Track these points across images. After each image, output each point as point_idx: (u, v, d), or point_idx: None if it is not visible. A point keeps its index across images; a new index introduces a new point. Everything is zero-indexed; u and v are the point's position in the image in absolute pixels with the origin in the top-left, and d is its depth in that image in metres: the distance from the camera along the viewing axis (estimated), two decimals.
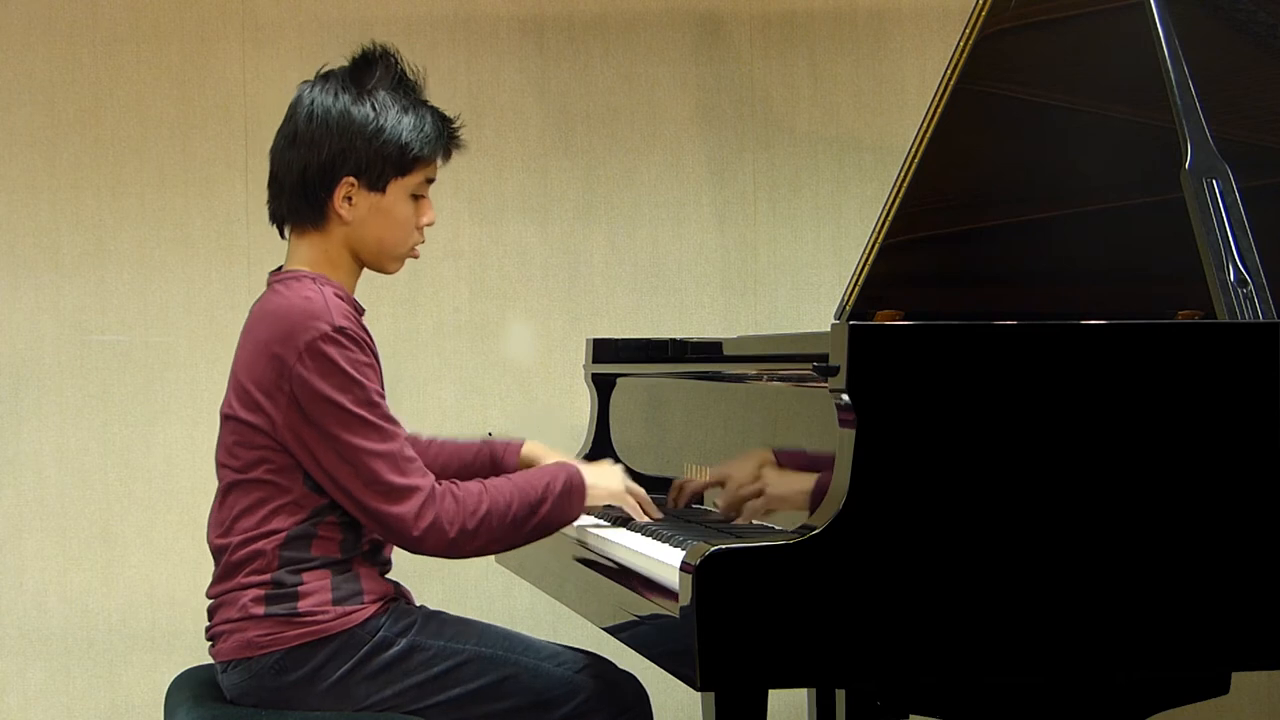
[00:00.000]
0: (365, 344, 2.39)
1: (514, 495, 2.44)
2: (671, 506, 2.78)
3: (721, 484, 2.66)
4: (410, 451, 2.40)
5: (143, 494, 4.00)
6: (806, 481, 2.36)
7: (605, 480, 2.61)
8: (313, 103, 2.46)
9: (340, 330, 2.36)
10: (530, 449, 2.82)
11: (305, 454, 2.38)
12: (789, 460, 2.47)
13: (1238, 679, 2.26)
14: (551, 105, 4.13)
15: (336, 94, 2.46)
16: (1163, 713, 2.31)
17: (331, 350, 2.35)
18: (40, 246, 4.00)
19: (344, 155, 2.44)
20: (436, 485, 2.40)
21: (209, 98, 4.03)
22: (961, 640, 2.10)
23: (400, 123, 2.46)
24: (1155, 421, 2.16)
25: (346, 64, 2.51)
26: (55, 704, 3.97)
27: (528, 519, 2.45)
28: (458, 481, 2.44)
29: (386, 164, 2.46)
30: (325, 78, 2.50)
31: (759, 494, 2.53)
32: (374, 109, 2.45)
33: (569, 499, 2.49)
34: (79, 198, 4.00)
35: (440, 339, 4.09)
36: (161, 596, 3.99)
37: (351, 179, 2.45)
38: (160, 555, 3.99)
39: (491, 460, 2.82)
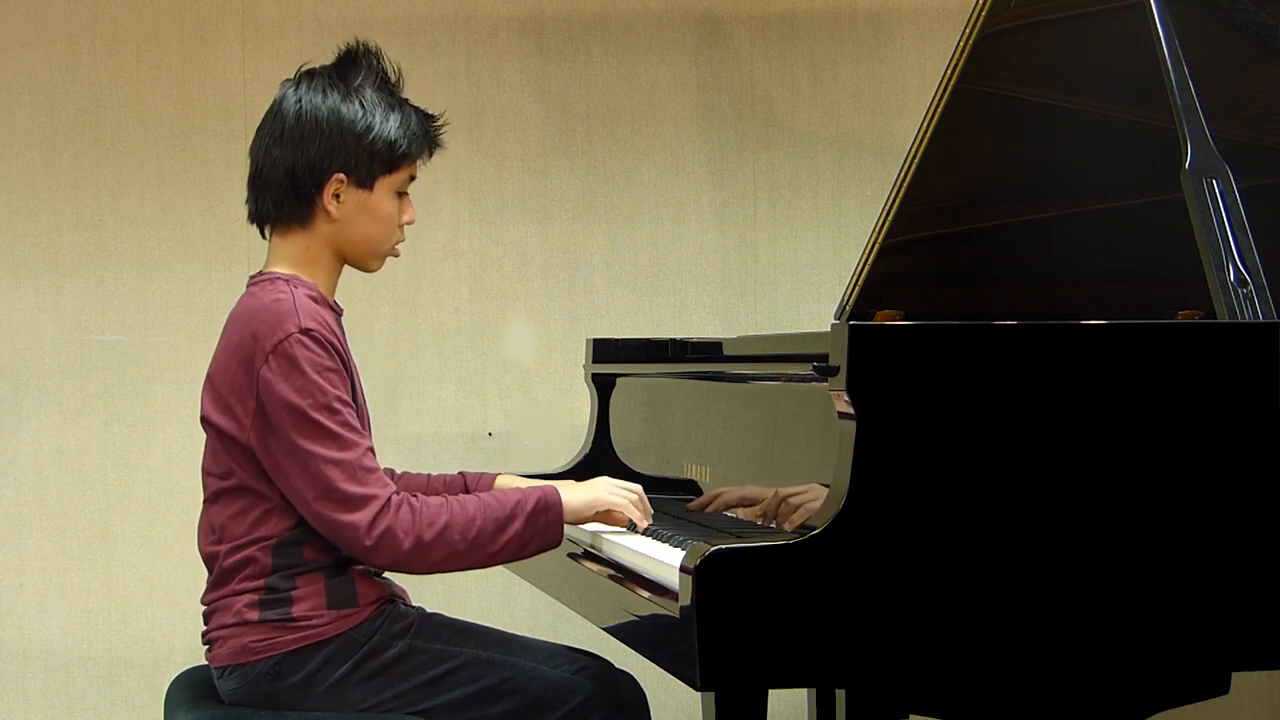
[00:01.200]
0: (332, 348, 2.37)
1: (479, 511, 2.37)
2: (697, 509, 2.76)
3: (754, 502, 2.61)
4: (370, 462, 2.35)
5: (143, 494, 4.00)
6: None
7: (583, 494, 2.51)
8: (300, 101, 2.46)
9: (307, 332, 2.35)
10: (504, 482, 2.76)
11: (268, 458, 2.36)
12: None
13: (1238, 679, 2.26)
14: (551, 105, 4.13)
15: (325, 92, 2.46)
16: (1163, 713, 2.30)
17: (297, 351, 2.33)
18: (40, 246, 4.00)
19: (334, 152, 2.44)
20: (394, 496, 2.35)
21: (209, 98, 4.03)
22: (961, 640, 2.10)
23: (388, 120, 2.47)
24: (1155, 422, 2.16)
25: (330, 63, 2.52)
26: (55, 704, 3.97)
27: (495, 536, 2.37)
28: (419, 494, 2.39)
29: (376, 161, 2.46)
30: (310, 75, 2.49)
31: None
32: (362, 107, 2.45)
33: (543, 517, 2.41)
34: (79, 198, 4.00)
35: (440, 339, 4.09)
36: (161, 597, 3.99)
37: (341, 175, 2.45)
38: (160, 555, 3.99)
39: (464, 490, 2.78)
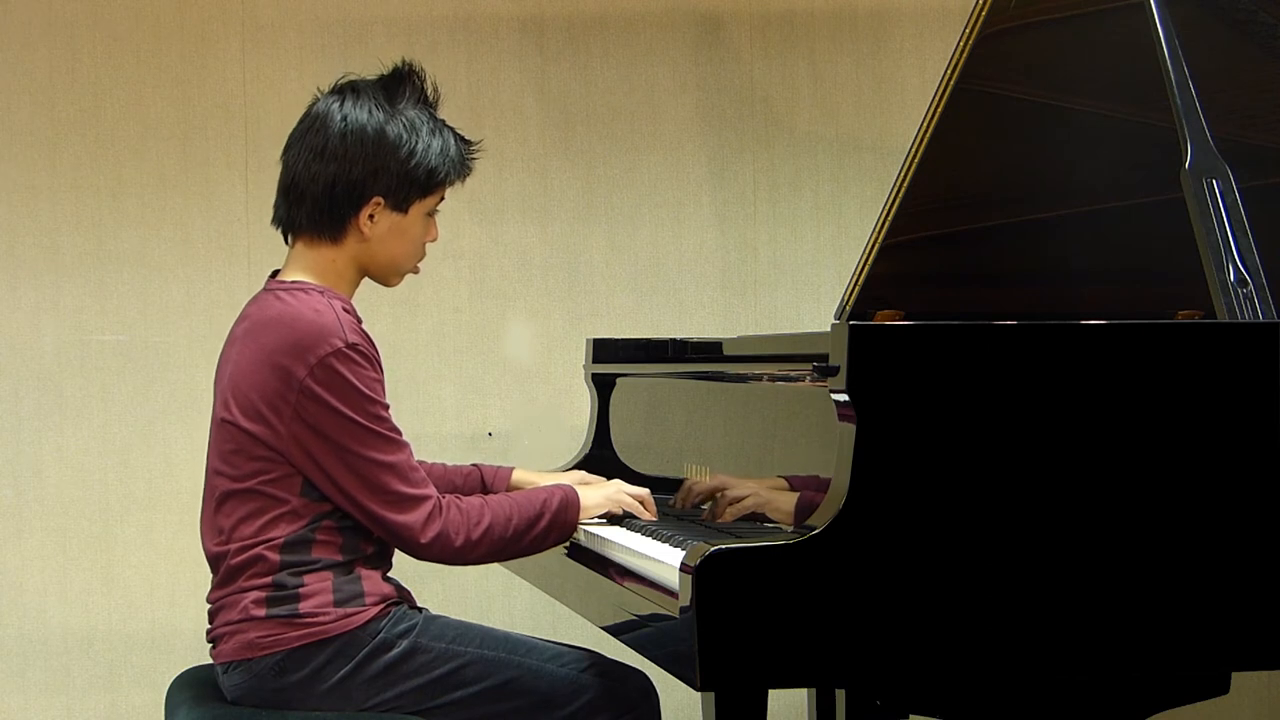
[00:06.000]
0: (374, 359, 2.42)
1: (514, 510, 2.49)
2: (678, 507, 2.78)
3: (725, 489, 2.65)
4: (414, 462, 2.44)
5: (143, 494, 4.00)
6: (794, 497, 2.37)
7: (598, 493, 2.65)
8: (345, 118, 2.46)
9: (353, 347, 2.38)
10: (520, 476, 2.86)
11: (311, 465, 2.38)
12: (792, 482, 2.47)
13: (1238, 679, 2.26)
14: (551, 105, 4.13)
15: (370, 111, 2.46)
16: (1163, 713, 2.31)
17: (343, 367, 2.37)
18: (40, 246, 4.00)
19: (376, 175, 2.46)
20: (441, 498, 2.44)
21: (209, 98, 4.03)
22: (961, 640, 2.10)
23: (430, 146, 2.48)
24: (1155, 422, 2.16)
25: (375, 78, 2.52)
26: (55, 704, 3.97)
27: (526, 533, 2.50)
28: (460, 495, 2.50)
29: (414, 186, 2.49)
30: (355, 91, 2.50)
31: (745, 499, 2.55)
32: (406, 129, 2.47)
33: (564, 515, 2.54)
34: (79, 198, 4.00)
35: (440, 339, 4.09)
36: (161, 596, 3.99)
37: (380, 199, 2.46)
38: (160, 555, 3.99)
39: (481, 486, 2.84)
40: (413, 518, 2.40)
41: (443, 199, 2.56)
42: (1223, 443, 2.17)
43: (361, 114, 2.46)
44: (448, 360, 4.09)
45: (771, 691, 2.50)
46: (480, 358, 4.10)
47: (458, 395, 4.08)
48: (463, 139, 2.56)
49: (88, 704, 3.98)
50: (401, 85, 2.51)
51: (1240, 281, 2.37)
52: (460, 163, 2.55)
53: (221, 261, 4.00)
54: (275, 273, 2.54)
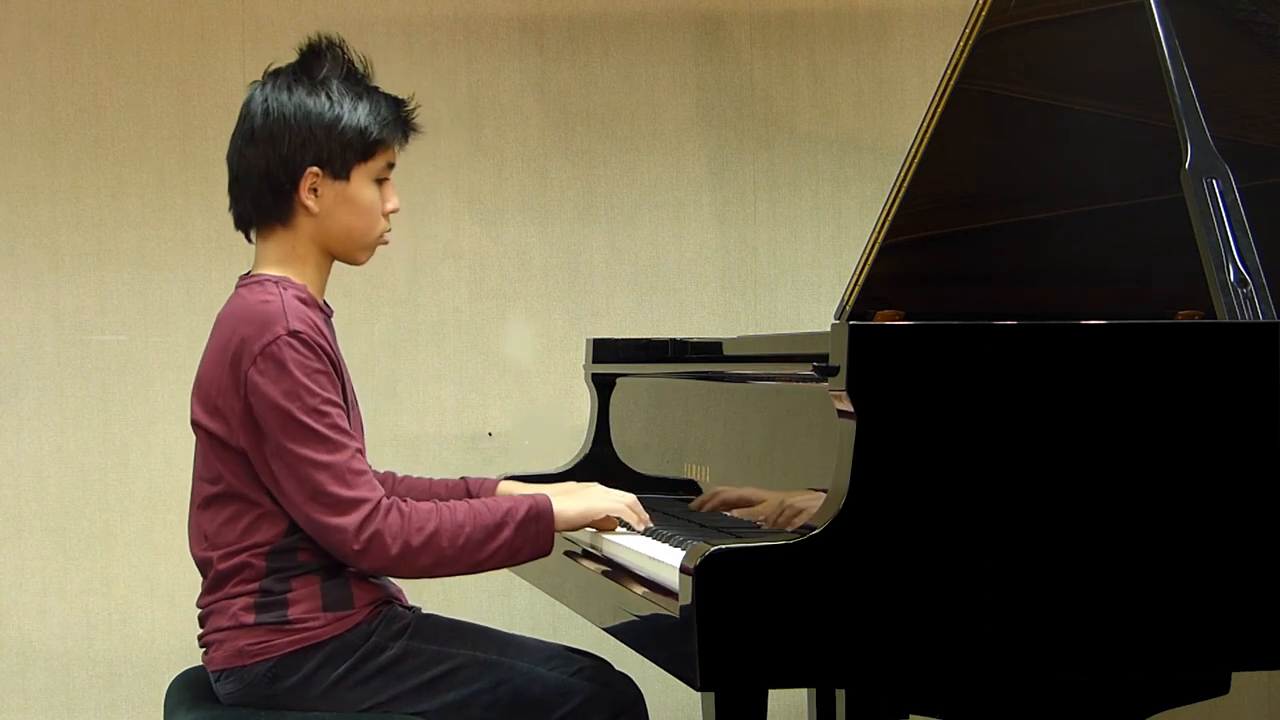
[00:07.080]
0: (320, 350, 2.36)
1: (469, 518, 2.36)
2: (695, 508, 2.77)
3: (752, 503, 2.61)
4: (359, 465, 2.35)
5: (143, 494, 4.00)
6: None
7: (577, 503, 2.50)
8: (267, 100, 2.46)
9: (295, 334, 2.34)
10: (506, 486, 2.76)
11: (260, 460, 2.36)
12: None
13: (1238, 679, 2.26)
14: (551, 105, 4.13)
15: (290, 88, 2.46)
16: (1163, 713, 2.30)
17: (284, 354, 2.33)
18: (40, 246, 3.99)
19: (305, 146, 2.44)
20: (384, 500, 2.34)
21: (209, 98, 4.03)
22: (961, 640, 2.10)
23: (357, 109, 2.46)
24: (1155, 422, 2.16)
25: (294, 59, 2.51)
26: (55, 704, 3.97)
27: (484, 543, 2.36)
28: (408, 499, 2.39)
29: (348, 150, 2.45)
30: (275, 75, 2.49)
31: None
32: (329, 98, 2.45)
33: (534, 526, 2.39)
34: (79, 198, 4.00)
35: (440, 339, 4.09)
36: (161, 596, 3.99)
37: (316, 169, 2.45)
38: (160, 556, 3.99)
39: (466, 495, 2.78)
40: (345, 521, 2.31)
41: (392, 165, 2.51)
42: (1223, 443, 2.17)
43: (281, 94, 2.46)
44: (448, 360, 4.09)
45: (771, 691, 2.50)
46: (480, 358, 4.10)
47: (458, 395, 4.08)
48: (395, 99, 2.52)
49: (87, 704, 3.98)
50: (320, 59, 2.49)
51: (1240, 281, 2.37)
52: (395, 122, 2.50)
53: (221, 261, 4.00)
54: (246, 274, 2.54)
